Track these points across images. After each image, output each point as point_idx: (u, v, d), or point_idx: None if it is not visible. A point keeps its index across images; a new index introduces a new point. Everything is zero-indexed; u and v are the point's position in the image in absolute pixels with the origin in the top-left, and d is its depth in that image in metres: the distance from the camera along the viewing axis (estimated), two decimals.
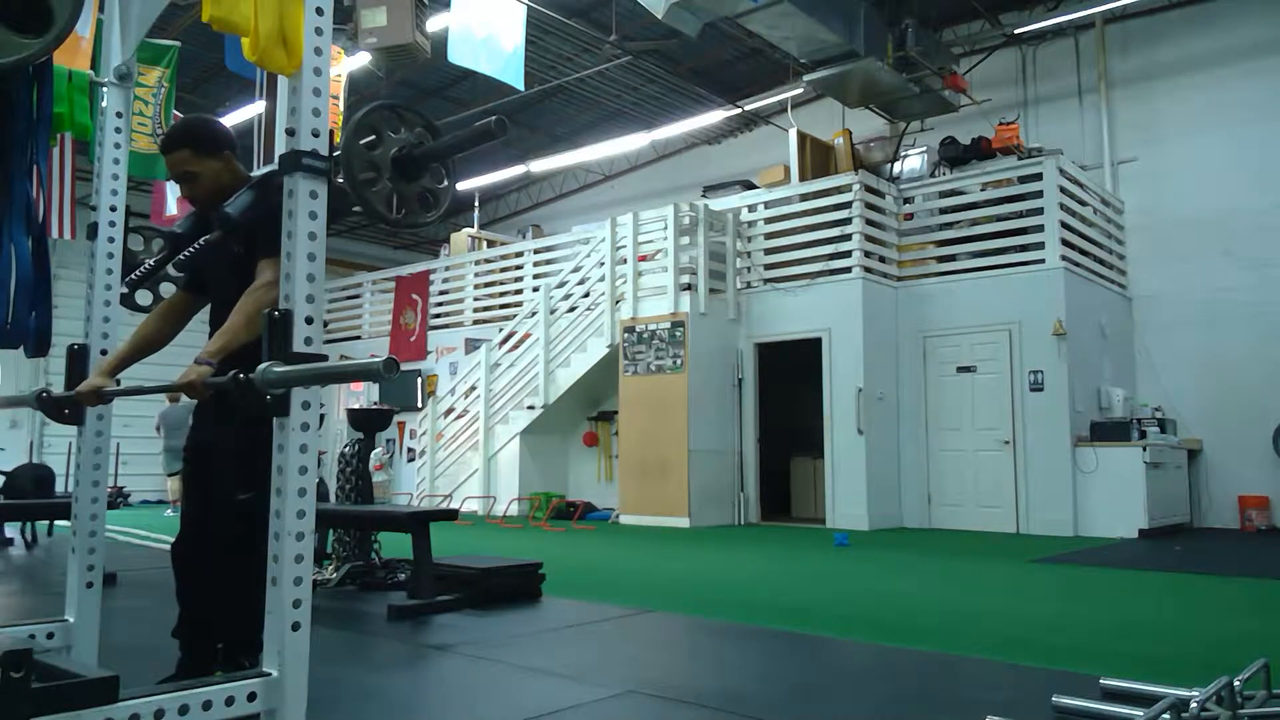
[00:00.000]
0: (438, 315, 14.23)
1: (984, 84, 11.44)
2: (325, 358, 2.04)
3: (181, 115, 8.69)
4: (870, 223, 10.17)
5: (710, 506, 9.89)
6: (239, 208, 2.50)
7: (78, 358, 2.76)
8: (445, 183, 2.23)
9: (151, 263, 3.17)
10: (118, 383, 2.68)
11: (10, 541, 7.70)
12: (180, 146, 2.70)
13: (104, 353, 2.77)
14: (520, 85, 8.09)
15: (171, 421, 11.79)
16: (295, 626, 1.97)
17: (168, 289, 3.19)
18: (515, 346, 12.00)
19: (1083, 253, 9.89)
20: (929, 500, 9.78)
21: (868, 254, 10.04)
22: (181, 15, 9.83)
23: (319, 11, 2.10)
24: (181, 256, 2.79)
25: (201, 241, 2.71)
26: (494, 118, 2.09)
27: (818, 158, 11.20)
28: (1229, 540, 8.70)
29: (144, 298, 3.24)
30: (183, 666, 2.75)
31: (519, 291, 13.28)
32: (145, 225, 3.48)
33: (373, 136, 2.12)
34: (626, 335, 10.47)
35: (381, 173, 2.09)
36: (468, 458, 12.04)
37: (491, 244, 14.96)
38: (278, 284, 2.05)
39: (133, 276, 3.17)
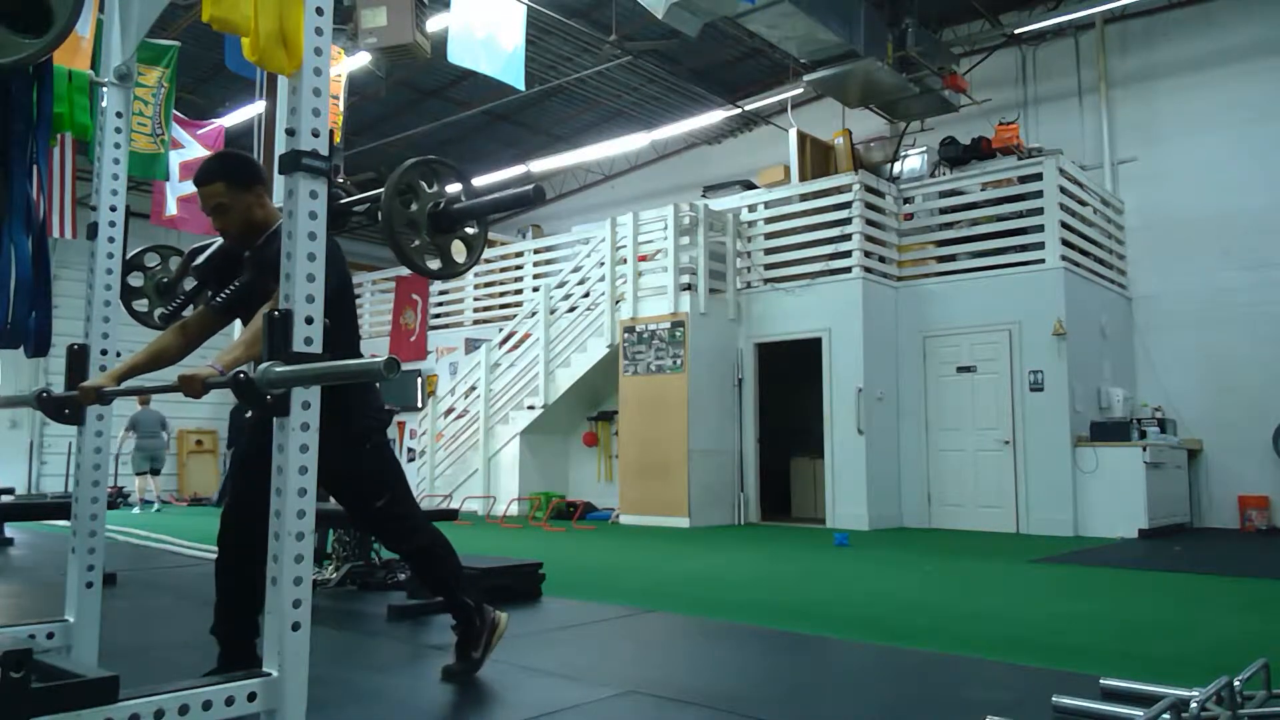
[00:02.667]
0: (438, 315, 14.23)
1: (984, 84, 11.44)
2: (326, 358, 2.04)
3: (182, 116, 8.72)
4: (870, 223, 10.17)
5: (710, 506, 9.89)
6: (275, 253, 2.55)
7: (78, 358, 2.76)
8: (477, 229, 2.24)
9: (185, 292, 3.22)
10: (117, 383, 2.68)
11: (10, 541, 7.71)
12: (216, 179, 2.73)
13: (104, 353, 2.78)
14: (520, 85, 8.09)
15: (143, 424, 11.94)
16: (295, 626, 1.97)
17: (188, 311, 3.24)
18: (515, 346, 12.00)
19: (1083, 253, 9.89)
20: (929, 500, 9.78)
21: (868, 254, 10.04)
22: (181, 15, 9.83)
23: (319, 11, 2.10)
24: (219, 298, 2.86)
25: (237, 284, 2.80)
26: (533, 185, 2.13)
27: (818, 158, 11.20)
28: (1229, 540, 8.70)
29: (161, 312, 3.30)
30: (223, 661, 2.76)
31: (519, 291, 13.28)
32: (164, 246, 3.48)
33: (409, 192, 2.14)
34: (626, 335, 10.47)
35: (419, 229, 2.11)
36: (468, 458, 12.04)
37: (491, 244, 14.94)
38: None
39: (171, 307, 3.22)
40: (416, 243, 2.10)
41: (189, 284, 3.34)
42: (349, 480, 2.89)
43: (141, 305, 3.41)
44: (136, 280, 3.40)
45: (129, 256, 3.28)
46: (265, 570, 2.79)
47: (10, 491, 9.07)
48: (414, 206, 2.11)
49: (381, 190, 1.99)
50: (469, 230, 2.22)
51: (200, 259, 3.07)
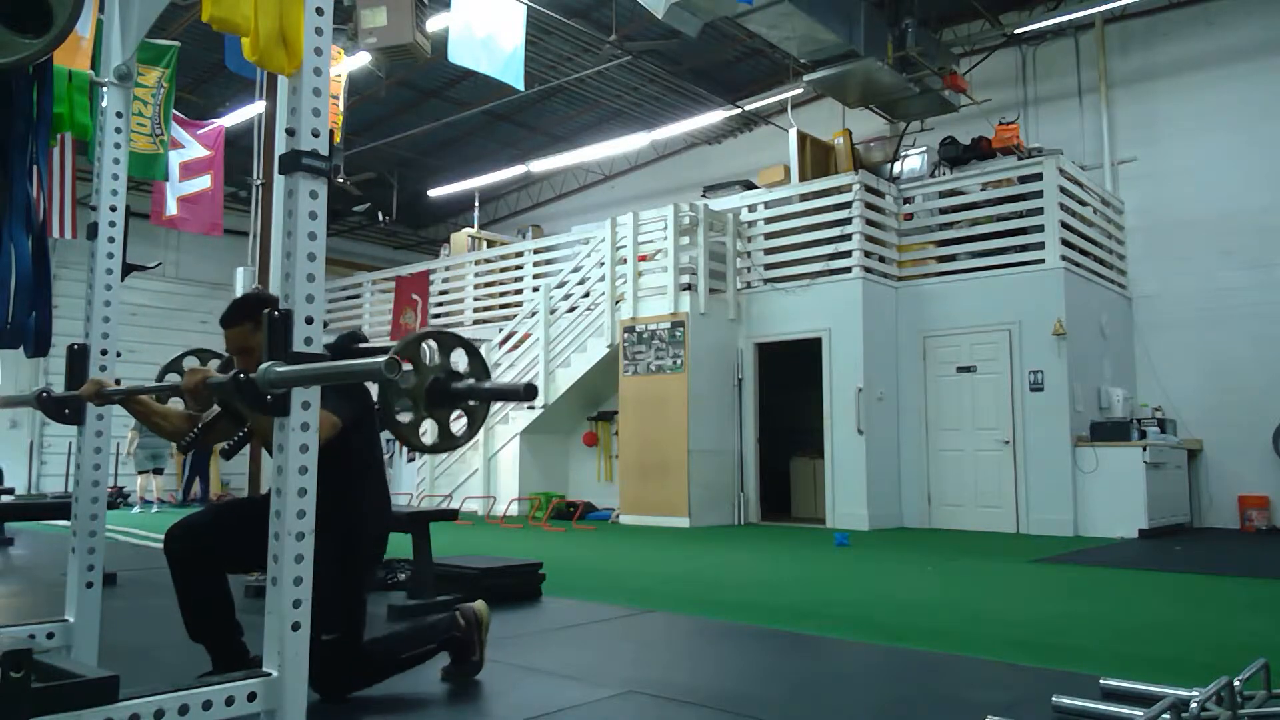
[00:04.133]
0: (438, 315, 14.23)
1: (984, 84, 11.44)
2: (326, 358, 2.04)
3: (182, 116, 8.72)
4: (870, 223, 10.17)
5: (710, 506, 9.89)
6: None
7: (78, 358, 2.76)
8: (476, 403, 2.22)
9: (200, 429, 3.15)
10: (117, 382, 2.69)
11: (10, 541, 7.71)
12: (243, 320, 2.73)
13: (104, 353, 2.78)
14: (520, 85, 8.08)
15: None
16: (295, 626, 1.97)
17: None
18: (515, 346, 12.00)
19: (1083, 253, 9.89)
20: (929, 500, 9.78)
21: (868, 254, 10.04)
22: (181, 15, 9.83)
23: (319, 11, 2.10)
24: (235, 440, 2.80)
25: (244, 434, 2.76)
26: (526, 385, 2.10)
27: (818, 158, 11.20)
28: (1229, 540, 8.70)
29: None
30: (217, 664, 2.77)
31: (519, 291, 13.28)
32: (203, 350, 3.33)
33: (410, 368, 2.12)
34: (626, 335, 10.47)
35: (418, 405, 2.09)
36: (468, 458, 12.04)
37: (491, 244, 14.96)
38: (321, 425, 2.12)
39: (187, 440, 3.12)
40: (410, 419, 2.10)
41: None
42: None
43: (177, 405, 3.36)
44: (175, 379, 3.31)
45: (168, 361, 3.20)
46: (222, 568, 2.84)
47: (10, 491, 9.08)
48: (412, 384, 2.10)
49: (384, 356, 1.98)
50: (470, 403, 2.20)
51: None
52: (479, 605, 3.09)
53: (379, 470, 3.00)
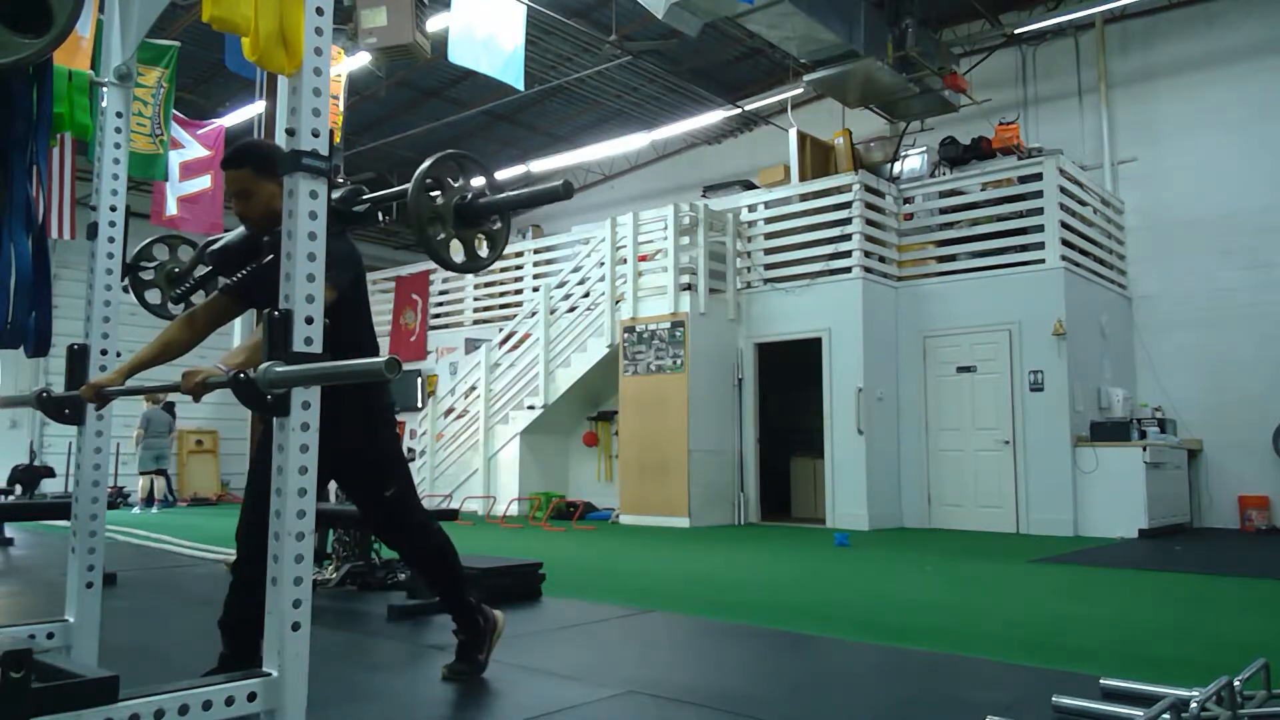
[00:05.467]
0: (438, 315, 14.23)
1: (984, 84, 11.44)
2: (326, 358, 2.04)
3: (182, 116, 8.72)
4: (870, 223, 10.17)
5: (710, 506, 9.89)
6: None
7: (78, 358, 2.76)
8: (500, 225, 2.25)
9: (197, 276, 3.22)
10: (125, 377, 2.68)
11: (10, 541, 7.71)
12: (243, 164, 2.75)
13: (104, 353, 2.78)
14: (520, 85, 8.08)
15: (154, 423, 12.06)
16: (295, 626, 1.97)
17: (198, 298, 3.24)
18: (515, 346, 12.00)
19: (1083, 253, 9.89)
20: (929, 500, 9.78)
21: (868, 254, 10.04)
22: (181, 15, 9.83)
23: (319, 11, 2.10)
24: (238, 276, 2.86)
25: (257, 267, 2.80)
26: (563, 181, 2.14)
27: (818, 158, 11.19)
28: (1229, 540, 8.71)
29: (178, 306, 3.29)
30: (225, 659, 2.75)
31: (519, 291, 13.28)
32: (173, 235, 3.47)
33: (435, 186, 2.15)
34: (626, 335, 10.47)
35: (445, 222, 2.11)
36: (468, 458, 12.04)
37: None
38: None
39: (182, 289, 3.22)
40: (442, 235, 2.11)
41: (201, 272, 3.32)
42: (360, 462, 2.87)
43: (154, 296, 3.40)
44: (147, 273, 3.39)
45: (138, 248, 3.28)
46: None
47: (10, 492, 9.08)
48: (439, 200, 2.11)
49: (408, 185, 2.00)
50: (493, 225, 2.22)
51: (216, 245, 3.06)
52: (499, 614, 3.17)
53: (374, 350, 2.98)
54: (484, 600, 3.16)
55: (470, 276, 14.07)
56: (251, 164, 2.73)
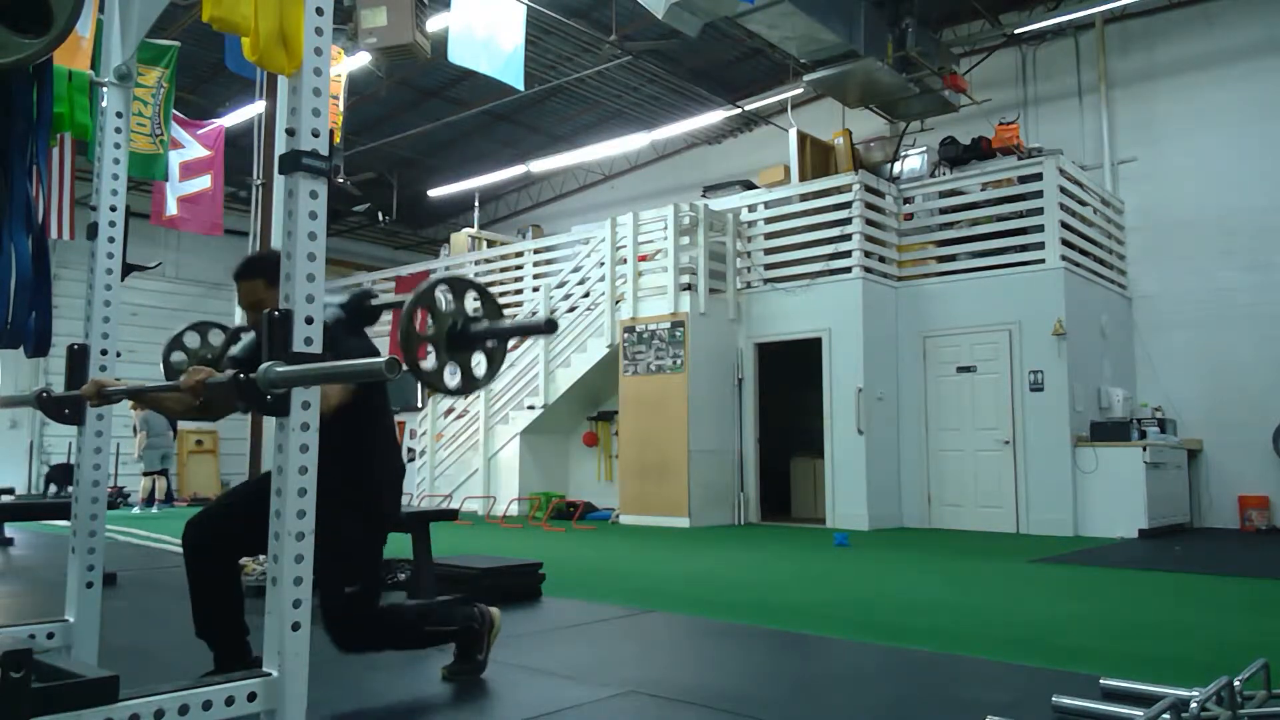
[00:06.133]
0: None
1: (984, 84, 11.44)
2: (326, 358, 2.04)
3: (182, 116, 8.72)
4: (870, 223, 10.16)
5: (710, 506, 9.89)
6: None
7: (78, 358, 2.76)
8: (495, 343, 2.24)
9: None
10: (118, 382, 2.69)
11: (10, 541, 7.71)
12: (256, 275, 2.76)
13: (104, 353, 2.78)
14: (520, 85, 8.08)
15: (154, 424, 12.11)
16: (295, 626, 1.97)
17: None
18: (515, 346, 11.99)
19: (1083, 253, 9.89)
20: (929, 500, 9.78)
21: (868, 254, 10.04)
22: (181, 15, 9.82)
23: (319, 11, 2.10)
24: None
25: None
26: (547, 319, 2.14)
27: (818, 158, 11.19)
28: (1229, 540, 8.70)
29: None
30: (220, 662, 2.77)
31: (519, 291, 13.28)
32: (204, 323, 3.36)
33: (428, 313, 2.15)
34: (626, 335, 10.47)
35: (439, 349, 2.12)
36: (468, 458, 12.04)
37: (491, 244, 14.96)
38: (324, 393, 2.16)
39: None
40: (434, 365, 2.12)
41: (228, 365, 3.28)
42: (331, 541, 2.69)
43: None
44: (179, 358, 3.33)
45: (171, 336, 3.21)
46: (235, 566, 2.88)
47: (10, 491, 9.09)
48: (431, 331, 2.13)
49: (404, 299, 2.02)
50: (489, 344, 2.22)
51: (236, 349, 3.03)
52: (495, 610, 3.13)
53: (391, 430, 3.01)
54: (484, 600, 3.16)
55: (470, 276, 14.07)
56: (264, 275, 2.72)
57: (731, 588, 5.56)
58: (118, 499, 12.49)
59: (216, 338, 3.33)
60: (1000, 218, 9.93)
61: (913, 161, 10.87)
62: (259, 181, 8.03)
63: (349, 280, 15.90)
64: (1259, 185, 10.02)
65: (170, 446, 12.39)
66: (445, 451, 12.35)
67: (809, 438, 10.50)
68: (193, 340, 3.34)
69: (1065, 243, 9.41)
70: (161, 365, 3.18)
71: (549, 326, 2.14)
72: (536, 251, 13.37)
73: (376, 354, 2.82)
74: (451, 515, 5.00)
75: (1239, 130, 10.21)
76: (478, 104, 12.97)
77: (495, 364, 2.24)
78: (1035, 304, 9.22)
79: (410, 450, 12.63)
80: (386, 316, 3.08)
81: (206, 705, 1.91)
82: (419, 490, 12.30)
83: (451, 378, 2.16)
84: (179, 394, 2.79)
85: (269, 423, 2.51)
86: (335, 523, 2.29)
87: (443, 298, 2.16)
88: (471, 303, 2.22)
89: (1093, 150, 11.16)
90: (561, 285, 11.70)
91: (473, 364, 2.20)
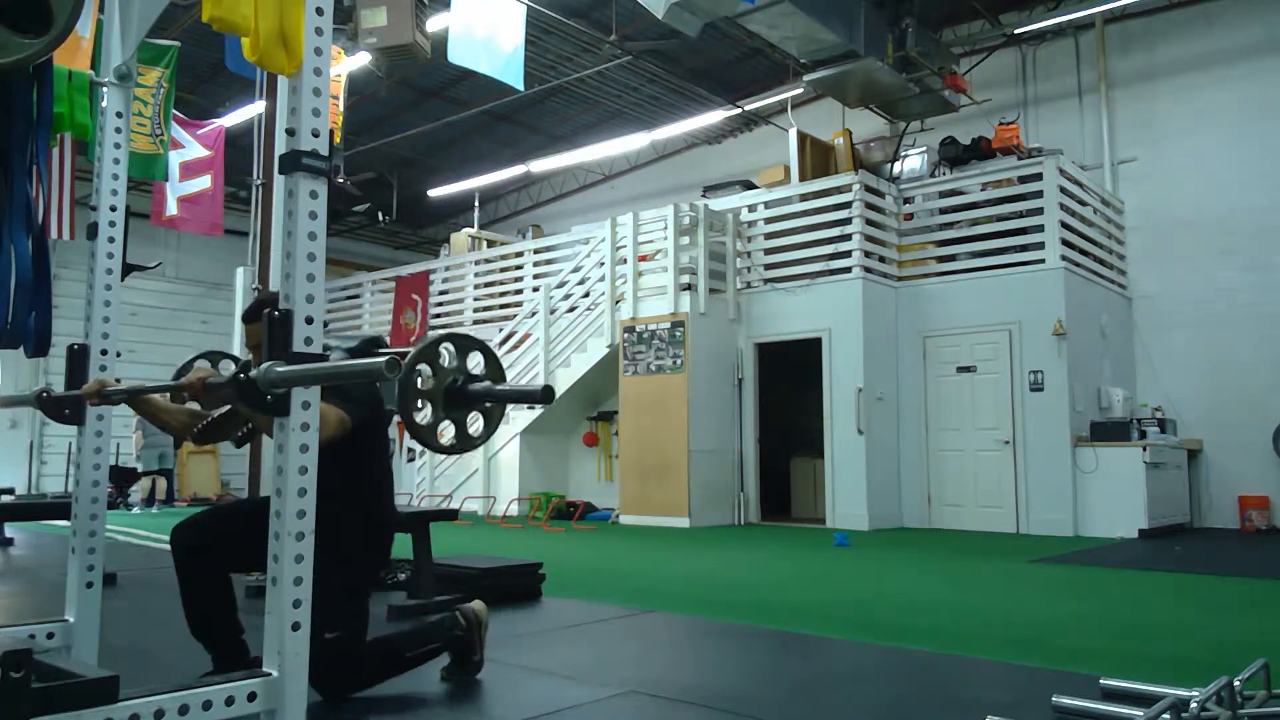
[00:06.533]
0: (438, 315, 14.23)
1: (984, 84, 11.44)
2: (325, 358, 2.04)
3: (182, 116, 8.72)
4: (870, 223, 10.17)
5: (710, 506, 9.89)
6: None
7: (78, 358, 2.76)
8: (492, 405, 2.24)
9: (214, 418, 3.18)
10: (117, 381, 2.69)
11: (10, 541, 7.71)
12: (261, 319, 2.75)
13: (104, 353, 2.78)
14: (520, 85, 8.08)
15: (149, 424, 12.12)
16: (295, 626, 1.97)
17: None
18: (515, 346, 12.00)
19: (1083, 253, 9.89)
20: (929, 500, 9.78)
21: (868, 254, 10.04)
22: (181, 15, 9.83)
23: (319, 11, 2.10)
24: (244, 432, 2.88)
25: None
26: (544, 387, 2.14)
27: (818, 158, 11.20)
28: (1229, 540, 8.70)
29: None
30: (218, 663, 2.77)
31: (519, 291, 13.28)
32: (215, 352, 3.38)
33: (428, 368, 2.15)
34: (626, 335, 10.47)
35: (435, 405, 2.12)
36: (468, 458, 12.03)
37: (491, 244, 14.96)
38: (322, 415, 2.15)
39: (200, 426, 3.16)
40: (429, 420, 2.12)
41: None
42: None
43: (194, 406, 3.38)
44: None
45: (181, 364, 3.22)
46: (225, 564, 2.87)
47: (10, 491, 9.09)
48: (431, 386, 2.13)
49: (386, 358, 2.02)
50: (487, 405, 2.23)
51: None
52: (478, 605, 3.10)
53: (387, 472, 3.01)
54: (484, 600, 3.16)
55: (470, 276, 14.09)
56: None
57: (731, 588, 5.56)
58: (118, 499, 12.49)
59: (227, 368, 3.33)
60: (1000, 218, 9.94)
61: (913, 161, 10.87)
62: (259, 181, 8.02)
63: (349, 280, 15.93)
64: (1259, 185, 10.02)
65: (167, 446, 12.37)
66: None
67: (809, 438, 10.50)
68: (203, 366, 3.34)
69: (1065, 243, 9.41)
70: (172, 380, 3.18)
71: (546, 395, 2.14)
72: (536, 251, 13.37)
73: (380, 404, 2.84)
74: (451, 515, 5.00)
75: (1239, 130, 10.21)
76: (478, 104, 12.97)
77: (491, 425, 2.24)
78: (1035, 304, 9.22)
79: (410, 450, 12.64)
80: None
81: (206, 705, 1.90)
82: (419, 490, 12.30)
83: (443, 435, 2.16)
84: (179, 414, 2.81)
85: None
86: (324, 557, 2.28)
87: (446, 353, 2.15)
88: (475, 362, 2.22)
89: (1093, 150, 11.16)
90: (561, 285, 11.70)
91: (469, 423, 2.20)
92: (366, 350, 2.79)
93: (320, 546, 2.17)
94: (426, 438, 2.10)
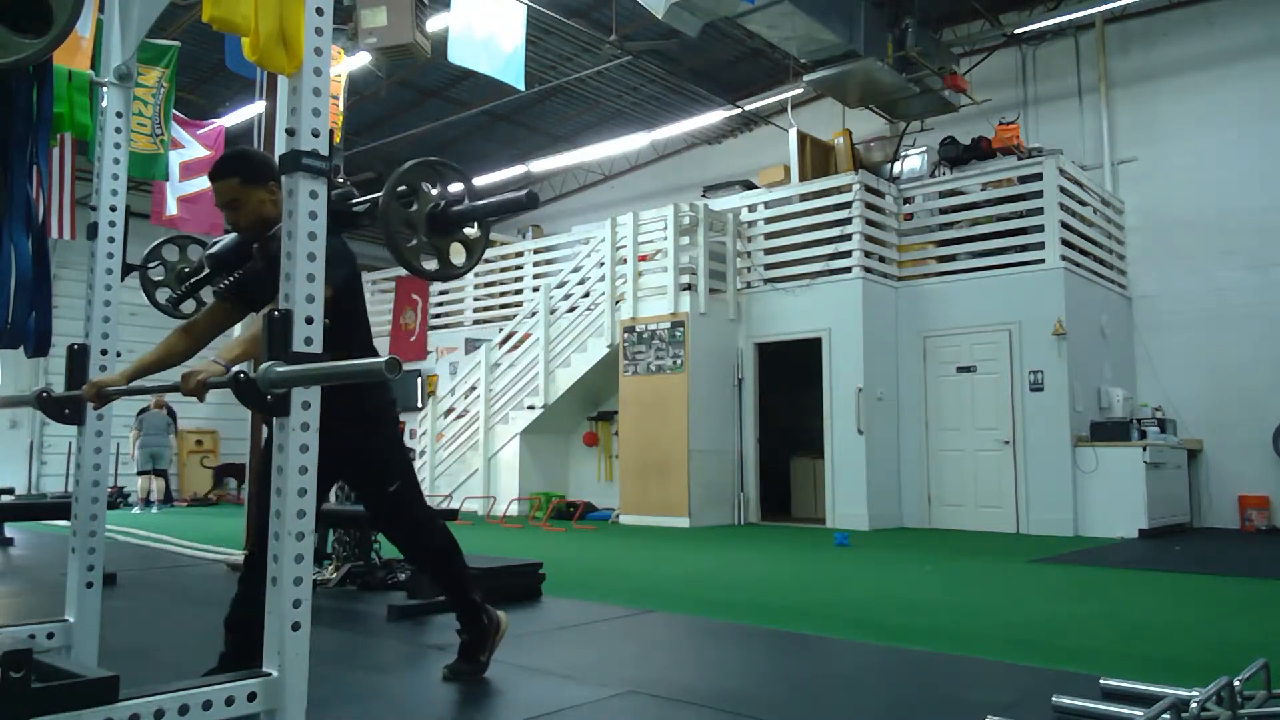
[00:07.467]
0: (438, 315, 14.23)
1: (984, 84, 11.44)
2: (325, 358, 2.04)
3: (182, 116, 8.72)
4: (870, 223, 10.17)
5: (710, 506, 9.89)
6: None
7: (78, 358, 2.76)
8: (478, 232, 2.25)
9: (194, 280, 3.25)
10: (127, 382, 2.68)
11: (10, 541, 7.71)
12: (229, 175, 2.76)
13: (104, 353, 2.78)
14: (520, 85, 8.08)
15: (148, 424, 12.11)
16: (295, 626, 1.97)
17: (207, 294, 3.27)
18: (515, 346, 12.00)
19: (1083, 253, 9.89)
20: (929, 500, 9.78)
21: (868, 254, 10.04)
22: (181, 15, 9.82)
23: (319, 11, 2.10)
24: (230, 279, 2.87)
25: (246, 270, 2.82)
26: (526, 191, 2.16)
27: (818, 158, 11.19)
28: (1229, 540, 8.70)
29: (187, 305, 3.33)
30: (225, 659, 2.75)
31: (519, 291, 13.29)
32: (182, 235, 3.52)
33: (410, 193, 2.15)
34: (626, 335, 10.47)
35: (417, 229, 2.12)
36: (468, 458, 12.04)
37: (492, 244, 14.93)
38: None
39: (180, 291, 3.25)
40: (413, 243, 2.11)
41: (197, 278, 3.36)
42: (359, 461, 2.90)
43: (164, 295, 3.42)
44: (158, 273, 3.41)
45: (149, 248, 3.31)
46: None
47: (10, 491, 9.08)
48: (413, 207, 2.12)
49: (385, 357, 2.04)
50: (468, 232, 2.22)
51: (215, 247, 3.09)
52: (503, 614, 3.19)
53: (371, 351, 3.01)
54: (485, 600, 3.16)
55: (470, 276, 14.06)
56: (239, 174, 2.75)
57: (731, 588, 5.56)
58: (118, 499, 12.49)
59: (195, 253, 3.39)
60: (1000, 218, 9.94)
61: (913, 161, 10.87)
62: None
63: None
64: (1259, 185, 10.02)
65: (161, 446, 12.28)
66: (445, 451, 12.35)
67: (809, 438, 10.50)
68: (171, 253, 3.40)
69: (1065, 243, 9.41)
70: (139, 276, 3.24)
71: (529, 199, 2.15)
72: (536, 251, 13.37)
73: (352, 258, 2.84)
74: (451, 515, 5.01)
75: (1239, 130, 10.21)
76: (478, 104, 12.96)
77: (475, 254, 2.26)
78: (1035, 304, 9.22)
79: (411, 450, 12.64)
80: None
81: (206, 705, 1.91)
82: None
83: (429, 262, 2.17)
84: (172, 350, 2.80)
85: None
86: (349, 432, 2.42)
87: (424, 180, 2.16)
88: (456, 187, 2.23)
89: (1093, 150, 11.16)
90: (561, 285, 11.70)
91: (451, 251, 2.22)
92: (338, 206, 2.75)
93: (358, 405, 2.48)
94: (411, 260, 2.11)
